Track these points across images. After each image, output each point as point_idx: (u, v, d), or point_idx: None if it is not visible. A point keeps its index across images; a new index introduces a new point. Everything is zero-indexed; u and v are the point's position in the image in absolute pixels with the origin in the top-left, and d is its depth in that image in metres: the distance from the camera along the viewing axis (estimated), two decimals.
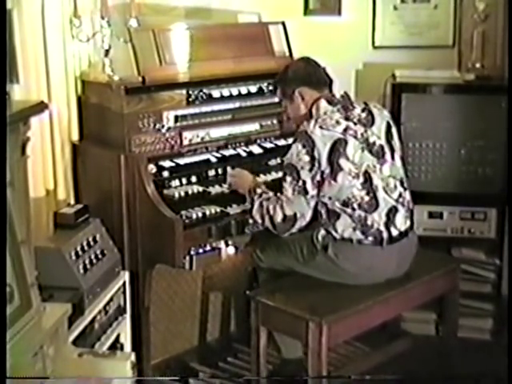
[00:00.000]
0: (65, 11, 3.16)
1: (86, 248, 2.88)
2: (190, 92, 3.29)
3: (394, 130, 3.08)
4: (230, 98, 3.42)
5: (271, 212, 2.93)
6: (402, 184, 3.03)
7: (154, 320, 3.31)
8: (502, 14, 3.83)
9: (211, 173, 3.29)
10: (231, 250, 3.20)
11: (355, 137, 2.91)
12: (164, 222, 2.97)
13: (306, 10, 4.24)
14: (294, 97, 3.03)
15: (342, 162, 2.86)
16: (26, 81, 2.93)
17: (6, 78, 2.41)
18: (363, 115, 2.98)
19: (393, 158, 3.01)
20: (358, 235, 2.91)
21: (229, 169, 3.29)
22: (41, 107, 2.57)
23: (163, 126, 3.22)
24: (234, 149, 3.43)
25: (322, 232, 2.97)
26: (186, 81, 3.32)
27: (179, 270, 3.13)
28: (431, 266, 3.21)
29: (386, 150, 2.99)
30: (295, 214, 2.90)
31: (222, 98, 3.40)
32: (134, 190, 3.09)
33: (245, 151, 3.45)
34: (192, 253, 3.03)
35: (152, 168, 3.11)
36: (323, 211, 2.95)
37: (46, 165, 3.10)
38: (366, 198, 2.90)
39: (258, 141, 3.54)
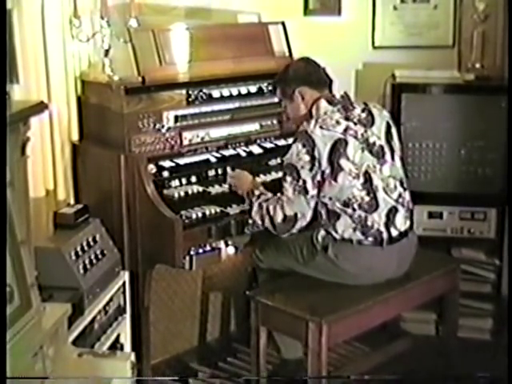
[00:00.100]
0: (65, 11, 3.16)
1: (85, 248, 2.88)
2: (190, 92, 3.29)
3: (393, 131, 3.08)
4: (230, 98, 3.42)
5: (271, 212, 2.93)
6: (401, 184, 3.03)
7: (153, 320, 3.31)
8: (502, 14, 3.84)
9: (211, 173, 3.29)
10: (231, 250, 3.20)
11: (355, 137, 2.91)
12: (164, 222, 2.97)
13: (306, 10, 4.23)
14: (294, 96, 3.03)
15: (343, 162, 2.86)
16: (25, 81, 2.93)
17: (5, 78, 2.41)
18: (363, 115, 2.98)
19: (393, 158, 3.01)
20: (358, 236, 2.91)
21: (229, 170, 3.29)
22: (41, 107, 2.57)
23: (163, 126, 3.22)
24: (234, 149, 3.43)
25: (322, 232, 2.97)
26: (185, 81, 3.32)
27: (179, 270, 3.13)
28: (431, 266, 3.21)
29: (386, 150, 2.99)
30: (296, 214, 2.90)
31: (222, 98, 3.40)
32: (134, 190, 3.09)
33: (245, 151, 3.45)
34: (192, 253, 3.03)
35: (152, 168, 3.11)
36: (323, 212, 2.95)
37: (45, 165, 3.10)
38: (367, 199, 2.90)
39: (258, 141, 3.54)
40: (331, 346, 2.92)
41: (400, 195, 3.00)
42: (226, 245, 3.16)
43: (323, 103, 2.97)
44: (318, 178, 2.86)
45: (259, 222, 3.00)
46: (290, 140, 3.10)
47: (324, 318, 2.77)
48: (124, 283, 3.10)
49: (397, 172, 3.02)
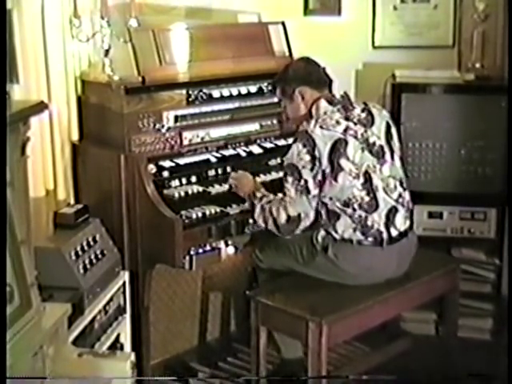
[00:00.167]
0: (65, 11, 3.16)
1: (85, 248, 2.88)
2: (190, 92, 3.29)
3: (393, 130, 3.07)
4: (230, 98, 3.42)
5: (274, 214, 2.91)
6: (401, 184, 3.03)
7: (153, 320, 3.31)
8: (502, 14, 3.84)
9: (211, 173, 3.29)
10: (231, 249, 3.20)
11: (355, 137, 2.91)
12: (164, 222, 2.97)
13: (306, 10, 4.23)
14: (294, 96, 3.03)
15: (343, 161, 2.86)
16: (25, 81, 2.93)
17: (5, 78, 2.41)
18: (363, 115, 2.98)
19: (392, 158, 3.01)
20: (358, 236, 2.91)
21: (229, 169, 3.29)
22: (41, 107, 2.57)
23: (163, 126, 3.22)
24: (234, 149, 3.43)
25: (322, 233, 2.97)
26: (185, 81, 3.32)
27: (179, 270, 3.13)
28: (431, 266, 3.21)
29: (386, 150, 2.99)
30: (299, 215, 2.89)
31: (222, 98, 3.40)
32: (134, 190, 3.09)
33: (245, 151, 3.45)
34: (192, 253, 3.03)
35: (152, 168, 3.11)
36: (323, 212, 2.94)
37: (45, 165, 3.10)
38: (366, 199, 2.90)
39: (258, 141, 3.54)
40: (331, 346, 2.92)
41: (400, 195, 3.00)
42: (226, 245, 3.16)
43: (323, 103, 2.97)
44: (319, 177, 2.86)
45: (262, 225, 2.99)
46: (290, 140, 3.10)
47: (324, 318, 2.77)
48: (124, 283, 3.10)
49: (396, 172, 3.02)
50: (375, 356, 3.39)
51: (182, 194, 3.11)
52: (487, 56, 3.91)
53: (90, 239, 2.94)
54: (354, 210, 2.89)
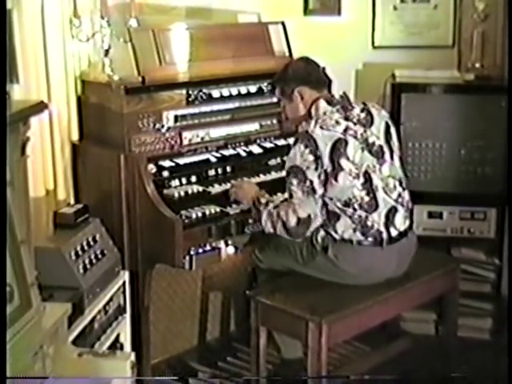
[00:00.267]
0: (65, 11, 3.16)
1: (85, 248, 2.88)
2: (190, 92, 3.29)
3: (392, 130, 3.07)
4: (230, 97, 3.42)
5: (283, 218, 2.89)
6: (400, 184, 3.02)
7: (153, 320, 3.31)
8: (502, 14, 3.84)
9: (211, 173, 3.29)
10: (231, 249, 3.20)
11: (355, 137, 2.91)
12: (164, 221, 2.97)
13: (306, 10, 4.24)
14: (294, 96, 3.03)
15: (343, 161, 2.86)
16: (25, 81, 2.93)
17: (5, 78, 2.41)
18: (362, 115, 2.98)
19: (392, 158, 3.01)
20: (358, 236, 2.91)
21: (229, 169, 3.30)
22: (41, 107, 2.57)
23: (163, 126, 3.22)
24: (234, 149, 3.43)
25: (322, 233, 2.97)
26: (185, 81, 3.32)
27: (179, 269, 3.13)
28: (431, 266, 3.21)
29: (385, 150, 2.99)
30: (309, 216, 2.87)
31: (222, 98, 3.40)
32: (134, 189, 3.09)
33: (244, 151, 3.45)
34: (192, 253, 3.03)
35: (152, 168, 3.11)
36: (323, 212, 2.94)
37: (45, 165, 3.10)
38: (366, 199, 2.90)
39: (258, 141, 3.54)
40: (331, 346, 2.92)
41: (399, 195, 3.00)
42: (226, 245, 3.16)
43: (322, 103, 2.97)
44: (323, 177, 2.85)
45: (271, 230, 2.95)
46: (290, 140, 3.10)
47: (324, 318, 2.77)
48: (124, 283, 3.10)
49: (396, 172, 3.02)
50: (375, 356, 3.39)
51: (182, 193, 3.11)
52: (487, 56, 3.92)
53: (90, 239, 2.94)
54: (355, 210, 2.89)
